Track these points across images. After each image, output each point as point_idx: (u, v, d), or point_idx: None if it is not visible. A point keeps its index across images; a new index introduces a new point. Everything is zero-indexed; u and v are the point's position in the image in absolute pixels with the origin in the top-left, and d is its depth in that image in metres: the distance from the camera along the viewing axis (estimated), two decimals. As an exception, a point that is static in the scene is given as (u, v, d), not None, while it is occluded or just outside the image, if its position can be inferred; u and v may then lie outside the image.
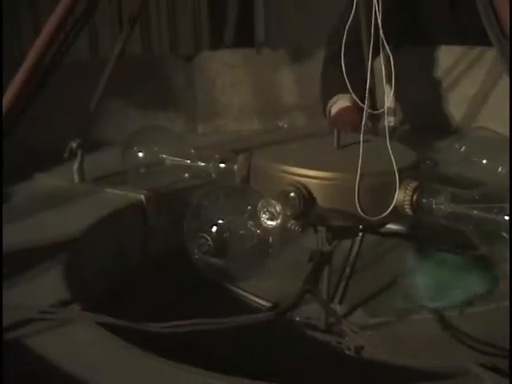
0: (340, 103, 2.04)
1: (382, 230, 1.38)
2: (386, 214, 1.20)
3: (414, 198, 1.19)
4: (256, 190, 1.21)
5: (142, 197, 1.70)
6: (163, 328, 1.03)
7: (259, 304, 1.48)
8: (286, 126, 2.22)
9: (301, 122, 2.40)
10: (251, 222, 1.03)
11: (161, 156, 1.47)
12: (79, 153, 1.77)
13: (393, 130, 2.11)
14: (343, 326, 1.15)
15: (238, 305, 1.51)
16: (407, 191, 1.19)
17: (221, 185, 1.35)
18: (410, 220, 1.33)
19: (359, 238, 1.70)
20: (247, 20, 3.02)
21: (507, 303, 1.41)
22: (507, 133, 2.37)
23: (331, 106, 2.05)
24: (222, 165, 1.40)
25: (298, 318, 1.44)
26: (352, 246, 1.69)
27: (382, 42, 1.16)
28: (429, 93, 2.50)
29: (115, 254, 1.61)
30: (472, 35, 2.43)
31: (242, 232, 1.01)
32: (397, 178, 1.18)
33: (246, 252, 1.03)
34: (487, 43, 2.28)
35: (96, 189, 1.75)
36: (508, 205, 1.10)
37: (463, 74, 2.41)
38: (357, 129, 2.02)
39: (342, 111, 2.02)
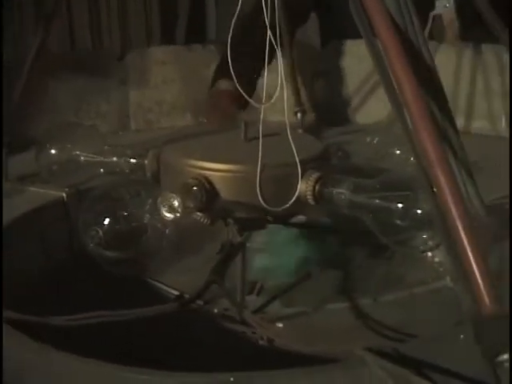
0: (220, 86, 2.06)
1: (293, 220, 1.38)
2: (288, 204, 1.21)
3: (317, 188, 1.21)
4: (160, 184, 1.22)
5: (64, 194, 1.70)
6: (67, 321, 1.03)
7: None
8: (204, 120, 2.24)
9: (230, 116, 2.40)
10: (147, 215, 1.04)
11: (74, 153, 1.47)
12: (3, 152, 1.76)
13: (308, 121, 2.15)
14: (247, 317, 1.17)
15: (158, 298, 1.52)
16: (309, 182, 1.21)
17: (129, 179, 1.35)
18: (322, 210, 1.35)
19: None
20: (199, 17, 3.01)
21: (417, 290, 1.44)
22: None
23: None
24: (133, 160, 1.41)
25: (216, 310, 1.45)
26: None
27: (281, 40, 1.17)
28: (355, 87, 2.53)
29: (39, 250, 1.61)
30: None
31: (133, 224, 1.02)
32: (299, 168, 1.20)
33: (139, 244, 1.04)
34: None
35: (19, 187, 1.75)
36: (403, 193, 1.12)
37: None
38: (226, 113, 2.07)
39: (217, 93, 2.05)
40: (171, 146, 1.35)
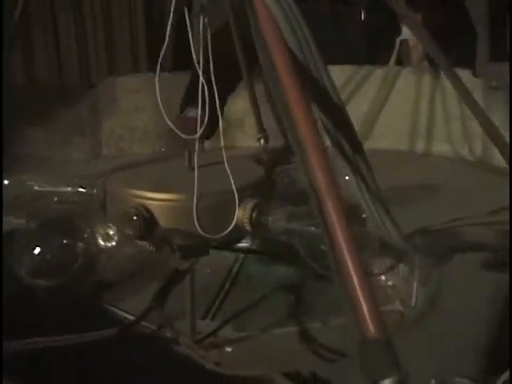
0: (187, 114, 2.09)
1: (235, 246, 1.42)
2: (226, 232, 1.24)
3: (253, 215, 1.24)
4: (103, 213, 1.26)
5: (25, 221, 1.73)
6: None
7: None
8: (163, 149, 2.28)
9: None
10: (80, 244, 1.07)
11: (29, 183, 1.51)
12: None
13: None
14: (181, 341, 1.19)
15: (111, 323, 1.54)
16: (246, 209, 1.24)
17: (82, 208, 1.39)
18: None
19: (242, 256, 1.77)
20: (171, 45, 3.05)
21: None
22: (400, 148, 2.46)
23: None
24: (82, 190, 1.44)
25: (168, 334, 1.47)
26: (234, 264, 1.76)
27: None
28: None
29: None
30: (360, 55, 2.53)
31: (64, 255, 1.05)
32: (236, 197, 1.23)
33: (70, 272, 1.07)
34: (375, 62, 2.39)
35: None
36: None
37: (355, 92, 2.48)
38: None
39: (184, 121, 2.08)
40: (117, 175, 1.38)
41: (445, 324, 1.23)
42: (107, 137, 2.49)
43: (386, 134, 2.47)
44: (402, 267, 1.60)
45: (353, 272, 0.76)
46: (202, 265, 1.83)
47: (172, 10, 1.23)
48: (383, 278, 1.68)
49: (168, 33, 1.27)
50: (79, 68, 2.57)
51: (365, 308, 0.74)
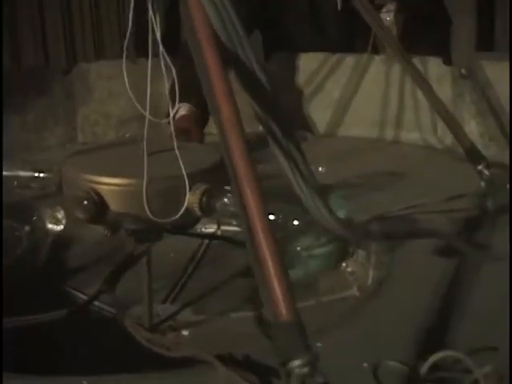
0: (180, 112, 2.11)
1: (190, 231, 1.43)
2: (177, 216, 1.26)
3: (204, 199, 1.25)
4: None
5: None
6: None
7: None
8: (127, 135, 2.29)
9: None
10: (27, 227, 1.09)
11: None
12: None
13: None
14: (127, 324, 1.21)
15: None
16: (196, 194, 1.25)
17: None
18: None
19: (206, 241, 1.79)
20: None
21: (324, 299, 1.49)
22: (371, 135, 2.48)
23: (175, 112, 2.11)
24: (42, 174, 1.46)
25: (127, 318, 1.48)
26: (199, 249, 1.78)
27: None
28: (297, 98, 2.58)
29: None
30: (332, 42, 2.54)
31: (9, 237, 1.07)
32: (186, 181, 1.24)
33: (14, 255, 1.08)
34: (346, 49, 2.40)
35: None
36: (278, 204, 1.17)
37: (328, 79, 2.50)
38: (192, 137, 2.11)
39: (177, 121, 2.09)
40: (72, 160, 1.39)
41: (389, 309, 1.25)
42: (82, 122, 2.49)
43: (357, 122, 2.48)
44: (360, 253, 1.62)
45: (268, 256, 0.77)
46: (167, 249, 1.87)
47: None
48: (344, 264, 1.70)
49: (131, 19, 1.27)
50: (53, 53, 2.56)
51: (277, 291, 0.75)
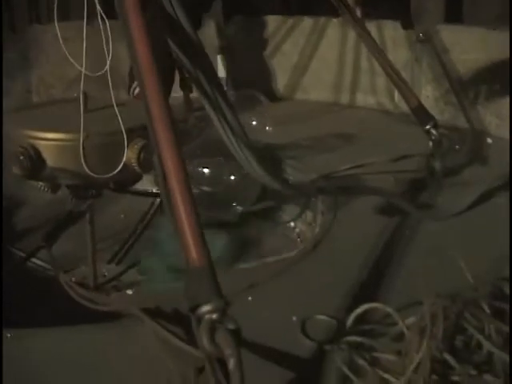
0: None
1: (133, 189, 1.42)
2: (115, 172, 1.24)
3: (142, 155, 1.24)
4: None
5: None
6: None
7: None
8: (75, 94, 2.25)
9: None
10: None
11: None
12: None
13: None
14: (62, 279, 1.20)
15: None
16: (134, 149, 1.24)
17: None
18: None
19: (157, 202, 1.77)
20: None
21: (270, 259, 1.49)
22: (326, 99, 2.47)
23: (134, 88, 2.10)
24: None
25: (73, 278, 1.48)
26: (149, 209, 1.76)
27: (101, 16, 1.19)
28: (257, 61, 2.57)
29: None
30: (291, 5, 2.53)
31: None
32: (125, 137, 1.23)
33: None
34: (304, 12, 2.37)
35: None
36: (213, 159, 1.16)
37: (285, 42, 2.49)
38: None
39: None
40: (13, 116, 1.37)
41: (325, 266, 1.25)
42: (37, 85, 2.46)
43: (316, 86, 2.47)
44: (307, 213, 1.62)
45: (179, 202, 0.77)
46: (118, 210, 1.86)
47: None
48: (292, 224, 1.71)
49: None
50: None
51: (188, 236, 0.75)
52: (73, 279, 1.49)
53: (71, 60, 1.28)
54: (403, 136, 1.98)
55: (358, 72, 2.38)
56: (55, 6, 1.31)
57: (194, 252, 0.74)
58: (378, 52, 1.74)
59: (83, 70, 1.25)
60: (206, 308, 0.72)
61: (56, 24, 1.34)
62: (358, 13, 2.33)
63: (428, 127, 1.68)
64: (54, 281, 1.30)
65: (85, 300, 1.14)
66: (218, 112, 1.03)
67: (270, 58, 2.57)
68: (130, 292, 1.48)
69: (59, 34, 1.27)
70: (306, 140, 1.91)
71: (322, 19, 2.42)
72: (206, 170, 1.13)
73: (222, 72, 2.54)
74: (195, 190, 1.23)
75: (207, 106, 1.03)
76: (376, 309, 0.99)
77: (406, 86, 1.74)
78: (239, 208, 1.29)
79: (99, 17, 1.26)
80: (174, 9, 0.99)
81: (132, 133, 1.26)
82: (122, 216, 1.82)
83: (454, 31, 2.23)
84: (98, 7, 1.25)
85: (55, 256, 1.44)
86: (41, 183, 1.32)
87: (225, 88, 2.43)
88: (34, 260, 1.56)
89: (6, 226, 1.55)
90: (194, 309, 0.73)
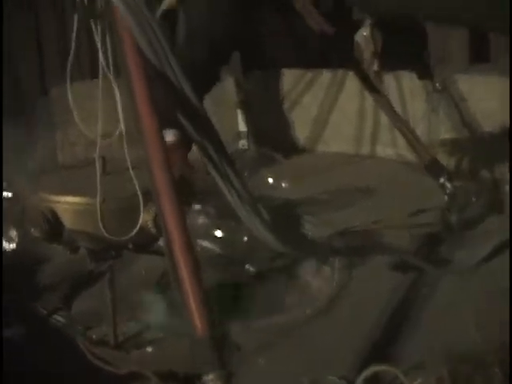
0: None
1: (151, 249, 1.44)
2: (132, 234, 1.27)
3: (158, 218, 1.26)
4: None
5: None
6: None
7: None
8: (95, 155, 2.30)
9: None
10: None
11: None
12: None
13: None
14: (78, 340, 1.22)
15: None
16: (150, 212, 1.26)
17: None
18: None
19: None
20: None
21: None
22: (346, 151, 2.49)
23: None
24: (10, 194, 1.48)
25: (94, 336, 1.50)
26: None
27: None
28: (277, 114, 2.61)
29: None
30: (309, 58, 2.56)
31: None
32: (141, 201, 1.25)
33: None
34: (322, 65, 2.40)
35: None
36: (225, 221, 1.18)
37: (304, 95, 2.52)
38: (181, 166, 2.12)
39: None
40: (33, 180, 1.41)
41: (339, 324, 1.26)
42: (61, 143, 2.51)
43: (335, 138, 2.50)
44: (325, 268, 1.62)
45: (185, 273, 0.79)
46: (139, 267, 1.88)
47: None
48: (308, 279, 1.71)
49: (73, 42, 1.29)
50: (33, 75, 2.59)
51: (193, 307, 0.77)
52: (93, 337, 1.52)
53: (80, 126, 1.31)
54: (421, 187, 1.99)
55: (377, 124, 2.40)
56: (68, 67, 1.33)
57: (198, 322, 0.76)
58: (390, 108, 1.76)
59: (99, 137, 1.27)
60: (210, 377, 0.74)
61: (68, 86, 1.36)
62: (376, 65, 2.36)
63: (442, 181, 1.69)
64: (70, 340, 1.33)
65: (100, 361, 1.16)
66: (226, 179, 1.05)
67: (290, 110, 2.60)
68: (149, 349, 1.48)
69: (70, 97, 1.29)
70: (324, 194, 1.93)
71: (341, 72, 2.45)
72: (218, 232, 1.14)
73: (242, 126, 2.58)
74: (207, 252, 1.25)
75: (214, 174, 1.05)
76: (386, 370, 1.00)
77: (418, 142, 1.75)
78: (252, 269, 1.31)
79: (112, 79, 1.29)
80: (177, 78, 1.01)
81: (148, 195, 1.29)
82: (143, 272, 1.84)
83: (470, 80, 2.25)
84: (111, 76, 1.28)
85: (78, 312, 1.47)
86: (59, 245, 1.35)
87: (246, 143, 2.48)
88: (55, 317, 1.60)
89: (29, 283, 1.58)
90: (199, 376, 0.74)
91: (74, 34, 1.27)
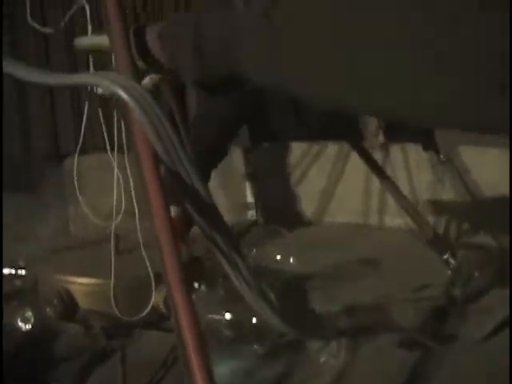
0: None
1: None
2: (143, 314, 1.31)
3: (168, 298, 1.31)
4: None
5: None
6: None
7: None
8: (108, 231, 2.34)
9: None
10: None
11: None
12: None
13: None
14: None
15: None
16: (161, 293, 1.31)
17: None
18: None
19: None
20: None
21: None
22: (354, 222, 2.53)
23: None
24: (23, 271, 1.52)
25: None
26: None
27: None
28: (284, 187, 2.66)
29: None
30: (314, 131, 2.62)
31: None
32: (152, 281, 1.30)
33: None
34: (328, 138, 2.46)
35: None
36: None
37: (311, 168, 2.58)
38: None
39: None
40: (47, 259, 1.46)
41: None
42: (73, 215, 2.56)
43: (342, 210, 2.54)
44: (332, 345, 1.65)
45: (195, 367, 0.82)
46: (149, 343, 1.91)
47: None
48: (324, 359, 1.73)
49: (85, 116, 1.35)
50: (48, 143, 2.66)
51: (198, 378, 0.80)
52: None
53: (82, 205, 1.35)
54: (429, 258, 2.02)
55: (384, 195, 2.44)
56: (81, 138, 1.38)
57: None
58: (391, 185, 1.81)
59: (114, 213, 1.32)
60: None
61: (76, 159, 1.41)
62: (381, 137, 2.41)
63: (446, 257, 1.72)
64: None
65: None
66: (234, 267, 1.09)
67: (297, 183, 2.66)
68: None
69: (75, 170, 1.34)
70: (330, 268, 1.96)
71: (346, 145, 2.50)
72: (227, 315, 1.18)
73: (250, 197, 2.64)
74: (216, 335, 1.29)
75: (223, 262, 1.09)
76: None
77: (422, 218, 1.79)
78: (261, 350, 1.34)
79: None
80: (190, 176, 1.06)
81: (159, 276, 1.33)
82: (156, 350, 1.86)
83: (473, 152, 2.30)
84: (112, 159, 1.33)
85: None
86: (72, 324, 1.39)
87: (255, 213, 2.53)
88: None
89: (42, 357, 1.60)
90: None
91: (84, 116, 1.32)
